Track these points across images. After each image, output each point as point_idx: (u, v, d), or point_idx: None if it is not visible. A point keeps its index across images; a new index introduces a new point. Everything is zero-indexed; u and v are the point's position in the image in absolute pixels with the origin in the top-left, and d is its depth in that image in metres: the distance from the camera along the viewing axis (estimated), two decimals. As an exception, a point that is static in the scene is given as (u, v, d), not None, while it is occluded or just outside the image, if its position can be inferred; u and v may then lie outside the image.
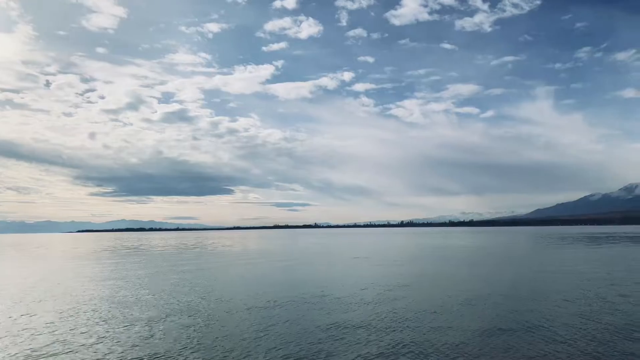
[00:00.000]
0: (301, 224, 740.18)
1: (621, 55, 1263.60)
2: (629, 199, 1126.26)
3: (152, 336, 15.39)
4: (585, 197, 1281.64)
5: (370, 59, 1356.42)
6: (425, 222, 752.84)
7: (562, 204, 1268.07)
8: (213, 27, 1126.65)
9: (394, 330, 15.90)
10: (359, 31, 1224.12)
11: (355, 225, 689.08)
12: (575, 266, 38.58)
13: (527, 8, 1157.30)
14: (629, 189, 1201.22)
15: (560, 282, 28.13)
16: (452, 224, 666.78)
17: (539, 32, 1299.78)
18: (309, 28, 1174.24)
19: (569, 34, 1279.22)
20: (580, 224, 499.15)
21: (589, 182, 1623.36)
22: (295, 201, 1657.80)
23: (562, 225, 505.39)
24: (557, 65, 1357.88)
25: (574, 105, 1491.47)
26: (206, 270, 39.96)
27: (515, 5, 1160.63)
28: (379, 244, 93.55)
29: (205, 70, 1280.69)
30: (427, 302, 21.52)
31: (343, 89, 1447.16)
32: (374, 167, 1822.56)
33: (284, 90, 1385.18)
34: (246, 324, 17.37)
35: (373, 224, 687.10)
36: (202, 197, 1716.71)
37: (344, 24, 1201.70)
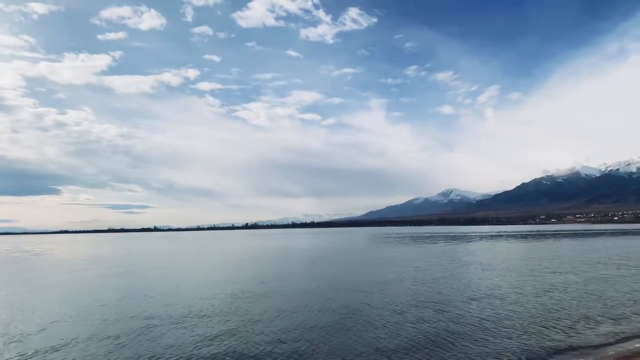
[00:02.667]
0: (139, 228, 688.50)
1: (441, 76, 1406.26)
2: (445, 202, 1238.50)
3: None
4: (410, 200, 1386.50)
5: (217, 58, 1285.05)
6: (270, 224, 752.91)
7: (392, 206, 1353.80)
8: (39, 8, 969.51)
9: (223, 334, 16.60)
10: (205, 29, 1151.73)
11: (198, 228, 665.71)
12: (403, 261, 39.66)
13: (365, 24, 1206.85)
14: (445, 194, 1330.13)
15: (381, 276, 31.70)
16: (294, 225, 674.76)
17: (375, 48, 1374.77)
18: (151, 20, 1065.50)
19: (400, 52, 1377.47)
20: (406, 225, 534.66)
21: (414, 187, 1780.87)
22: (133, 203, 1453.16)
23: (390, 225, 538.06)
24: (389, 80, 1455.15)
25: (402, 117, 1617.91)
26: None
27: (354, 21, 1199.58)
28: (217, 247, 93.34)
29: (28, 55, 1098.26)
30: (264, 302, 22.90)
31: (187, 87, 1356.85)
32: (219, 169, 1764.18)
33: (122, 83, 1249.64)
34: None
35: (217, 226, 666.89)
36: (22, 198, 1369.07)
37: (189, 19, 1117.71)
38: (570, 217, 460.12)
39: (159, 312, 20.43)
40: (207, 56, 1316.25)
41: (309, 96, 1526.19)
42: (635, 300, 21.43)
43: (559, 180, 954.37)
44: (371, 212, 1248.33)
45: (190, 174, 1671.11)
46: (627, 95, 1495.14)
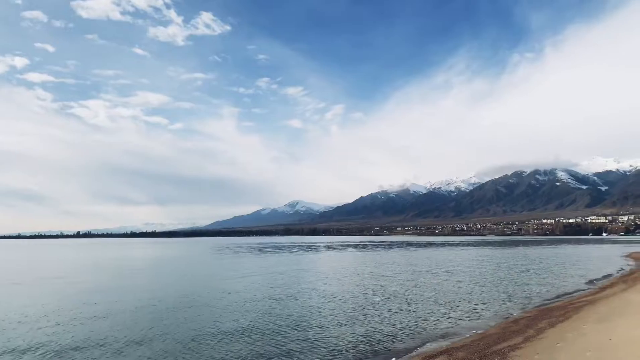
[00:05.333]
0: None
1: (292, 90, 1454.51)
2: (291, 213, 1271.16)
3: None
4: (258, 210, 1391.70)
5: (51, 48, 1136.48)
6: (105, 232, 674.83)
7: (239, 216, 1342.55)
8: None
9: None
10: (37, 14, 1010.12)
11: (19, 236, 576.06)
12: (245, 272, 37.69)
13: (218, 30, 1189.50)
14: (292, 205, 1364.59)
15: (211, 288, 29.53)
16: (133, 234, 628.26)
17: (228, 56, 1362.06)
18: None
19: (253, 63, 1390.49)
20: (253, 235, 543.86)
21: (262, 197, 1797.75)
22: None
23: (237, 235, 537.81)
24: (241, 89, 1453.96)
25: (253, 127, 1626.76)
26: None
27: (207, 26, 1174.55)
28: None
29: None
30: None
31: (13, 76, 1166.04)
32: (49, 171, 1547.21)
33: None
34: None
35: (43, 234, 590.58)
36: None
37: (19, 1, 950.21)
38: (400, 229, 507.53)
39: None
40: (38, 44, 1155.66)
41: (156, 98, 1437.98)
42: (439, 301, 23.52)
43: (391, 195, 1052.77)
44: (217, 222, 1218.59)
45: (12, 174, 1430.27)
46: (450, 122, 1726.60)
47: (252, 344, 15.70)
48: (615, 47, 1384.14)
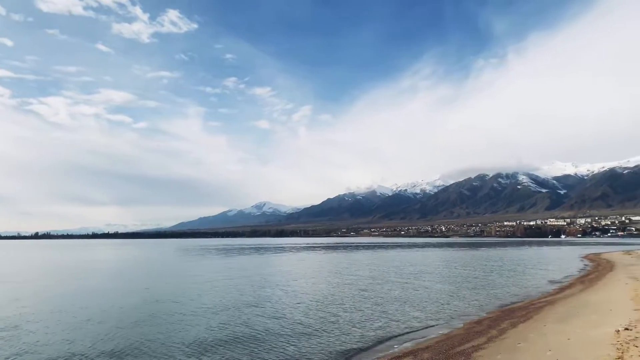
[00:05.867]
0: None
1: (259, 90, 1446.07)
2: (258, 215, 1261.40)
3: None
4: (224, 212, 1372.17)
5: (9, 42, 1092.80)
6: (65, 233, 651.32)
7: (204, 217, 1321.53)
8: None
9: None
10: None
11: None
12: (206, 274, 37.16)
13: (185, 28, 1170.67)
14: (259, 206, 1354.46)
15: (179, 290, 28.19)
16: (95, 235, 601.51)
17: (194, 54, 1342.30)
18: None
19: (220, 62, 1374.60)
20: (219, 236, 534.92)
21: (229, 198, 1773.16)
22: None
23: (202, 237, 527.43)
24: (208, 88, 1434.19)
25: (220, 128, 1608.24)
26: None
27: (174, 23, 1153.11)
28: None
29: None
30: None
31: None
32: (6, 169, 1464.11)
33: None
34: None
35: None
36: None
37: None
38: (367, 230, 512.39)
39: None
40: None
41: (120, 96, 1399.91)
42: (405, 302, 23.83)
43: (359, 197, 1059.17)
44: (182, 224, 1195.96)
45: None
46: (416, 125, 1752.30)
47: (218, 352, 15.35)
48: (574, 55, 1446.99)
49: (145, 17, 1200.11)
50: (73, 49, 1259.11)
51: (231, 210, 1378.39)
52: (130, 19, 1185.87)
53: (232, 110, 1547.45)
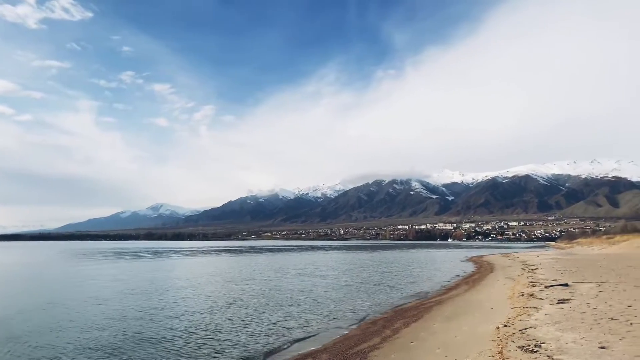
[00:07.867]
0: None
1: (158, 87, 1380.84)
2: (154, 217, 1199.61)
3: None
4: (116, 213, 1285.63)
5: None
6: None
7: (95, 219, 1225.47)
8: None
9: None
10: None
11: None
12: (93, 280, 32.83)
13: (78, 16, 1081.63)
14: (155, 208, 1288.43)
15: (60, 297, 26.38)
16: None
17: (88, 45, 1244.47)
18: None
19: (117, 55, 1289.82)
20: (110, 239, 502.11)
21: (122, 199, 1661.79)
22: None
23: (92, 240, 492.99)
24: (102, 82, 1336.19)
25: (114, 124, 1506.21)
26: None
27: (65, 10, 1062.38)
28: None
29: None
30: None
31: None
32: None
33: None
34: None
35: None
36: None
37: None
38: (268, 233, 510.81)
39: None
40: None
41: (0, 85, 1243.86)
42: (303, 304, 23.91)
43: (261, 200, 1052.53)
44: (70, 225, 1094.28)
45: None
46: (320, 130, 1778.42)
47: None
48: (465, 72, 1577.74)
49: (32, 0, 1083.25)
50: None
51: (124, 212, 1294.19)
52: (15, 1, 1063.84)
53: (128, 106, 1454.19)
